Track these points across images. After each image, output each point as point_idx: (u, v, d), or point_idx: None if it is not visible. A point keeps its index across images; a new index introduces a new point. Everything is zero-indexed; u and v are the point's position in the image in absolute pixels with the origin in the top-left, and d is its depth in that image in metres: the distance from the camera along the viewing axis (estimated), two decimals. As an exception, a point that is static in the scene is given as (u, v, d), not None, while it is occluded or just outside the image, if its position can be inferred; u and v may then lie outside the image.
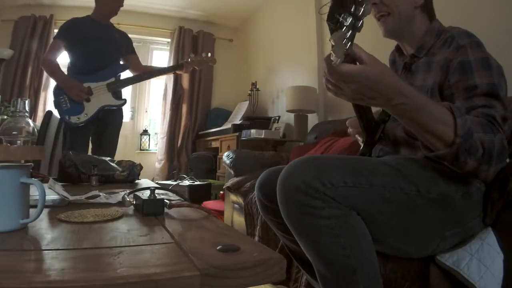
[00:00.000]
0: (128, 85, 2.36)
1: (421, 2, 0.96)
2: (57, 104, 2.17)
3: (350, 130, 1.08)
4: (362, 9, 0.61)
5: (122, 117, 2.43)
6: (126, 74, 2.42)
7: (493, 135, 0.73)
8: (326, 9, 0.64)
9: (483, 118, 0.76)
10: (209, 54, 2.51)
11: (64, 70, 2.28)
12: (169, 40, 4.45)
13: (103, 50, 2.23)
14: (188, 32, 4.41)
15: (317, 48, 2.96)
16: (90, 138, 2.34)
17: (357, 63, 0.69)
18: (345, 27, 0.61)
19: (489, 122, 0.75)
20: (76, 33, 2.20)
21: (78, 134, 2.19)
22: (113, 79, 2.25)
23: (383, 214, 0.75)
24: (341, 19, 0.61)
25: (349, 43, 0.63)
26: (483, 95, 0.80)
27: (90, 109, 2.18)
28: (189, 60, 2.37)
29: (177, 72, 2.43)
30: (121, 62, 2.40)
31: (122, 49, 2.37)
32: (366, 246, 0.74)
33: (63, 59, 2.29)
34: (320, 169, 0.72)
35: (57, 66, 2.21)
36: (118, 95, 2.29)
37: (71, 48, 2.23)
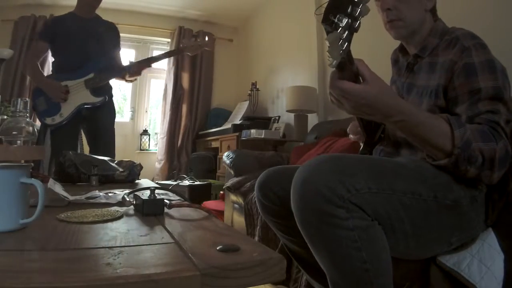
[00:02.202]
0: (107, 80, 2.21)
1: (431, 5, 0.96)
2: (34, 106, 2.10)
3: (351, 136, 1.08)
4: (359, 9, 0.60)
5: (112, 113, 2.30)
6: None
7: (495, 143, 0.74)
8: (322, 10, 0.64)
9: (487, 125, 0.77)
10: (206, 38, 2.31)
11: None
12: (169, 40, 4.45)
13: (84, 47, 2.12)
14: (188, 32, 4.41)
15: (317, 48, 2.97)
16: (86, 140, 2.27)
17: (361, 79, 0.72)
18: (340, 28, 0.61)
19: (492, 129, 0.76)
20: (57, 32, 2.12)
21: (61, 136, 2.10)
22: (91, 75, 2.10)
23: (401, 221, 0.73)
24: (336, 20, 0.61)
25: (346, 43, 0.62)
26: (488, 99, 0.80)
27: (66, 109, 2.08)
28: (180, 46, 2.25)
29: (151, 64, 2.26)
30: (105, 56, 2.23)
31: (107, 43, 2.23)
32: (385, 258, 0.71)
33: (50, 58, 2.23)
34: (343, 172, 0.68)
35: (36, 68, 2.14)
36: (98, 92, 2.14)
37: (53, 47, 2.17)
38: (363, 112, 0.76)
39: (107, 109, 2.25)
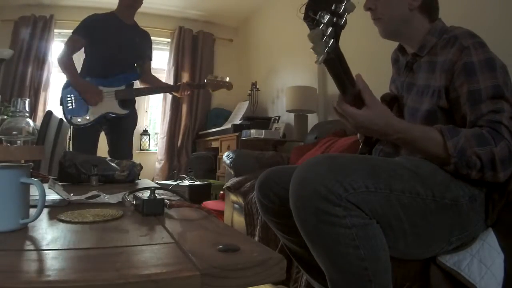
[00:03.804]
0: (135, 97, 2.32)
1: (417, 4, 0.95)
2: (62, 102, 2.16)
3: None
4: (343, 6, 0.60)
5: (134, 121, 2.40)
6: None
7: (494, 145, 0.75)
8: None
9: (488, 127, 0.78)
10: (227, 79, 2.45)
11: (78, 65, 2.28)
12: (169, 40, 4.45)
13: (120, 55, 2.19)
14: (188, 32, 4.41)
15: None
16: (107, 141, 2.34)
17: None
18: (322, 24, 0.61)
19: (492, 131, 0.77)
20: (97, 33, 2.16)
21: (83, 135, 2.18)
22: (122, 87, 2.20)
23: (399, 220, 0.73)
24: (317, 17, 0.61)
25: (331, 40, 0.62)
26: (489, 99, 0.80)
27: (93, 113, 2.15)
28: (205, 81, 2.39)
29: (174, 93, 2.39)
30: (136, 68, 2.36)
31: (139, 54, 2.32)
32: (384, 256, 0.72)
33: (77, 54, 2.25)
34: (340, 171, 0.69)
35: (73, 66, 2.17)
36: (125, 104, 2.23)
37: (90, 47, 2.20)
38: (361, 132, 0.87)
39: (131, 117, 2.34)
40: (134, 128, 2.43)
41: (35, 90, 3.80)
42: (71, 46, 2.19)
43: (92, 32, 2.17)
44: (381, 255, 0.71)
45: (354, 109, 0.79)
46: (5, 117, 2.49)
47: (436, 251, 0.81)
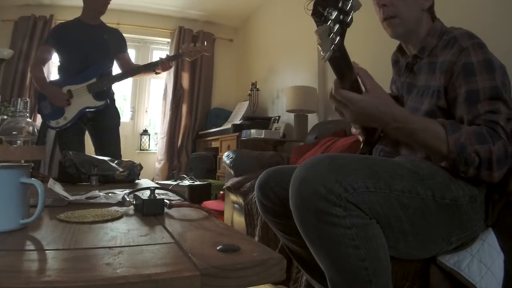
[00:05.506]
0: (110, 84, 2.28)
1: (428, 5, 0.96)
2: (39, 110, 2.20)
3: (354, 130, 1.08)
4: (350, 3, 0.60)
5: (117, 116, 2.38)
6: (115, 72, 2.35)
7: (492, 144, 0.75)
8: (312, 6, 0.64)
9: (485, 126, 0.78)
10: (205, 43, 2.38)
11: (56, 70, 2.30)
12: (169, 40, 4.45)
13: (88, 53, 2.19)
14: (188, 32, 4.41)
15: (317, 48, 2.96)
16: (92, 141, 2.33)
17: (362, 88, 0.77)
18: (330, 21, 0.61)
19: (490, 130, 0.77)
20: (62, 38, 2.19)
21: (67, 136, 2.19)
22: (94, 80, 2.17)
23: (399, 220, 0.73)
24: (325, 13, 0.61)
25: (338, 37, 0.62)
26: (487, 99, 0.80)
27: (70, 112, 2.16)
28: (180, 51, 2.32)
29: (157, 71, 2.31)
30: (108, 60, 2.31)
31: (111, 49, 2.30)
32: (384, 257, 0.72)
33: (55, 59, 2.30)
34: (340, 171, 0.69)
35: (40, 73, 2.21)
36: (100, 96, 2.21)
37: (60, 52, 2.24)
38: (361, 120, 0.83)
39: (111, 111, 2.33)
40: (118, 124, 2.39)
41: (35, 90, 3.80)
42: (40, 56, 2.25)
43: (59, 38, 2.20)
44: (381, 255, 0.71)
45: (354, 93, 0.76)
46: (5, 117, 2.50)
47: (436, 251, 0.81)
